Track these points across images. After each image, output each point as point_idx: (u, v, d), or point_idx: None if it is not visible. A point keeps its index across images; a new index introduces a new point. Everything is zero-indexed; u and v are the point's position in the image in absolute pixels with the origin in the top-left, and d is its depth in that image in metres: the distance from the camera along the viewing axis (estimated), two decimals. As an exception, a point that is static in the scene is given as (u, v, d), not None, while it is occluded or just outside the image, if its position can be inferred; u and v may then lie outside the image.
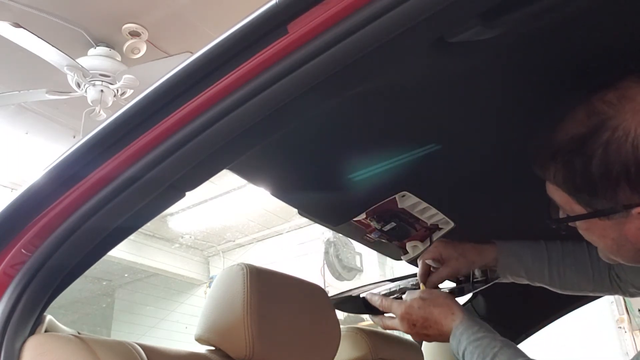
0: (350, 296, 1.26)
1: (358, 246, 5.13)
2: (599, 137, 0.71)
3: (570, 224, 0.83)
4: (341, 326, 1.12)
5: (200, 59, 0.69)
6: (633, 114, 0.69)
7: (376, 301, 1.08)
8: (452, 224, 1.31)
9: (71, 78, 3.09)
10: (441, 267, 1.13)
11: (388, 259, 4.33)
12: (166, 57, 3.16)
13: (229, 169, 0.92)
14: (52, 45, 2.73)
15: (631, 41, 0.81)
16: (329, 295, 1.17)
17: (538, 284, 1.14)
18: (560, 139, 0.76)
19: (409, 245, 1.36)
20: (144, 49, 3.26)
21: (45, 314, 0.76)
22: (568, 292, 1.13)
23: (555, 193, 0.81)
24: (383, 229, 1.26)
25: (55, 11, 2.98)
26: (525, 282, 1.15)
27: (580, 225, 0.83)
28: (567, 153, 0.75)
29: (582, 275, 1.11)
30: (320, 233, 5.05)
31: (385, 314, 1.09)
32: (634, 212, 0.71)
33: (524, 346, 1.76)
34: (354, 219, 1.24)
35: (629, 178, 0.69)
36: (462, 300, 1.75)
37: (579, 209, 0.78)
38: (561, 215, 0.85)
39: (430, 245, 1.26)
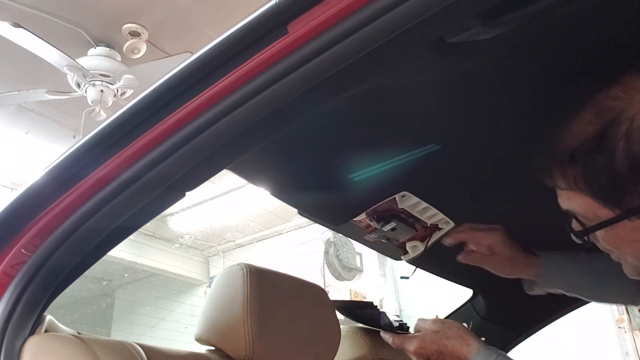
0: (367, 304, 1.25)
1: (358, 246, 5.13)
2: (617, 131, 0.68)
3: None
4: (341, 326, 1.12)
5: (200, 59, 0.69)
6: None
7: (388, 339, 1.08)
8: (452, 224, 1.31)
9: (71, 78, 3.09)
10: (481, 255, 1.09)
11: (388, 259, 4.33)
12: (166, 57, 3.15)
13: (229, 169, 0.92)
14: (52, 45, 2.73)
15: (632, 39, 0.81)
16: (332, 296, 1.18)
17: (576, 295, 1.11)
18: (574, 143, 0.73)
19: (409, 245, 1.36)
20: (144, 49, 3.26)
21: (45, 314, 0.76)
22: (607, 303, 1.11)
23: (576, 201, 0.76)
24: (383, 229, 1.26)
25: (55, 11, 2.98)
26: (561, 292, 1.12)
27: (605, 234, 0.75)
28: (586, 154, 0.71)
29: (623, 288, 1.04)
30: (320, 233, 5.05)
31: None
32: None
33: (524, 346, 1.76)
34: (354, 219, 1.24)
35: None
36: (461, 300, 1.75)
37: (606, 213, 0.72)
38: (576, 227, 0.78)
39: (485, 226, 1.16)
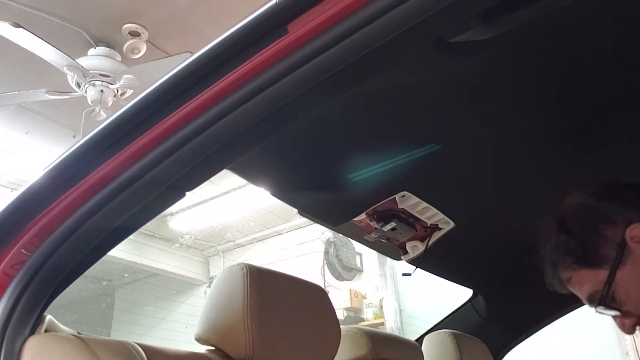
0: None
1: (358, 246, 5.13)
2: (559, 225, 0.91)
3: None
4: (341, 326, 1.12)
5: (200, 59, 0.69)
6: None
7: None
8: (452, 224, 1.31)
9: (71, 78, 3.09)
10: None
11: (388, 259, 4.33)
12: (166, 57, 3.15)
13: (229, 169, 0.92)
14: (52, 45, 2.72)
15: (632, 39, 0.81)
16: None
17: None
18: (549, 247, 0.92)
19: (409, 245, 1.36)
20: (144, 49, 3.26)
21: (45, 314, 0.76)
22: None
23: (581, 283, 0.89)
24: (383, 229, 1.26)
25: (55, 11, 2.98)
26: None
27: (619, 292, 0.85)
28: (554, 249, 0.91)
29: None
30: (320, 233, 5.05)
31: None
32: (629, 240, 0.83)
33: (524, 346, 1.76)
34: (354, 219, 1.24)
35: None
36: (461, 300, 1.75)
37: (603, 274, 0.84)
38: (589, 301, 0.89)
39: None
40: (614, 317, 0.88)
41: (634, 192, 0.90)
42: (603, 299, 0.85)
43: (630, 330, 0.87)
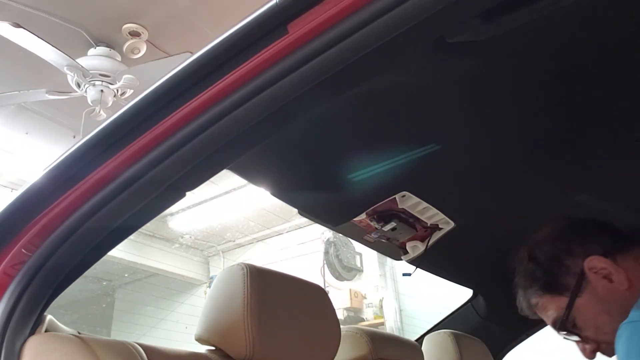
0: None
1: (358, 246, 5.13)
2: (529, 255, 1.00)
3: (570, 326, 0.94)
4: (341, 326, 1.12)
5: (200, 59, 0.69)
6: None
7: None
8: (452, 224, 1.31)
9: (71, 78, 3.09)
10: None
11: (388, 259, 4.33)
12: (166, 57, 3.15)
13: (229, 169, 0.92)
14: (52, 45, 2.72)
15: (632, 39, 0.81)
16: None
17: None
18: (521, 280, 1.01)
19: (409, 245, 1.36)
20: (144, 49, 3.26)
21: (45, 314, 0.76)
22: None
23: (545, 309, 0.97)
24: (383, 229, 1.26)
25: (55, 11, 2.98)
26: None
27: (578, 318, 0.92)
28: (523, 276, 1.00)
29: None
30: (320, 233, 5.05)
31: None
32: (587, 271, 0.91)
33: (524, 346, 1.76)
34: (354, 219, 1.24)
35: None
36: (461, 300, 1.75)
37: (564, 300, 0.92)
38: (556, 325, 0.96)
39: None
40: (577, 342, 0.95)
41: (595, 228, 0.98)
42: (563, 324, 0.93)
43: (590, 355, 0.94)
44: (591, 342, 0.93)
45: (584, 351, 0.95)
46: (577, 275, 0.92)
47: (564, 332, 0.95)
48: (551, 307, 0.96)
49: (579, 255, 0.94)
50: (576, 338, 0.95)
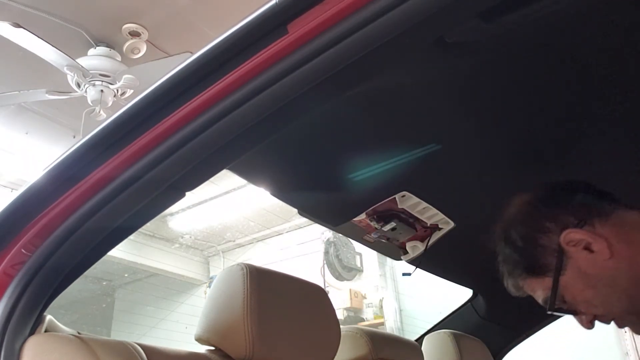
0: None
1: (358, 246, 5.13)
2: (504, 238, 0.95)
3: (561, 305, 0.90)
4: (341, 326, 1.12)
5: (200, 59, 0.69)
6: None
7: None
8: (452, 224, 1.31)
9: (71, 78, 3.08)
10: None
11: (388, 259, 4.33)
12: (166, 57, 3.15)
13: (229, 169, 0.92)
14: (52, 45, 2.72)
15: (633, 39, 0.81)
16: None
17: None
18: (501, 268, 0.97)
19: (409, 245, 1.36)
20: (144, 49, 3.26)
21: (45, 314, 0.76)
22: None
23: (532, 289, 0.93)
24: (383, 229, 1.26)
25: (55, 11, 2.98)
26: None
27: (567, 296, 0.88)
28: (502, 260, 0.96)
29: None
30: (320, 233, 5.05)
31: None
32: (565, 246, 0.86)
33: (524, 346, 1.76)
34: (354, 219, 1.24)
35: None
36: (461, 300, 1.75)
37: (548, 281, 0.88)
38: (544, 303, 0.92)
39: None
40: (574, 314, 0.91)
41: (565, 196, 0.92)
42: (552, 305, 0.89)
43: (588, 326, 0.90)
44: (586, 314, 0.90)
45: (581, 322, 0.91)
46: (555, 253, 0.87)
47: (555, 311, 0.91)
48: (537, 288, 0.92)
49: (554, 231, 0.88)
50: (570, 314, 0.91)
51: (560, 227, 0.87)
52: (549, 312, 0.90)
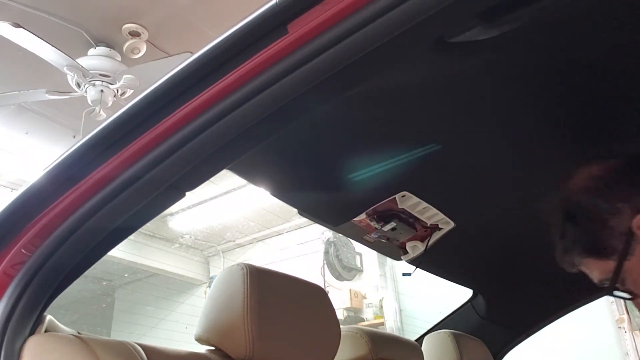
0: None
1: (358, 246, 5.13)
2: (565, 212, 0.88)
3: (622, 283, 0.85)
4: (341, 326, 1.12)
5: (200, 59, 0.69)
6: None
7: None
8: (452, 224, 1.31)
9: (71, 78, 3.08)
10: None
11: (388, 259, 4.33)
12: (166, 57, 3.15)
13: (229, 169, 0.92)
14: (52, 45, 2.72)
15: (633, 39, 0.81)
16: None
17: None
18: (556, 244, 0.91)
19: (409, 245, 1.36)
20: (144, 49, 3.26)
21: (45, 314, 0.76)
22: None
23: (592, 269, 0.87)
24: (383, 229, 1.26)
25: (55, 11, 2.98)
26: None
27: (627, 277, 0.83)
28: (561, 236, 0.89)
29: None
30: (320, 233, 5.05)
31: None
32: (637, 230, 0.80)
33: (524, 346, 1.76)
34: (354, 219, 1.24)
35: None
36: (461, 300, 1.75)
37: (610, 264, 0.83)
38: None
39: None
40: (631, 299, 0.86)
41: None
42: (611, 289, 0.84)
43: None
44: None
45: (638, 306, 0.86)
46: (624, 236, 0.80)
47: (612, 295, 0.86)
48: (596, 269, 0.86)
49: (625, 212, 0.81)
50: (626, 296, 0.85)
51: (633, 210, 0.81)
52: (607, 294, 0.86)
